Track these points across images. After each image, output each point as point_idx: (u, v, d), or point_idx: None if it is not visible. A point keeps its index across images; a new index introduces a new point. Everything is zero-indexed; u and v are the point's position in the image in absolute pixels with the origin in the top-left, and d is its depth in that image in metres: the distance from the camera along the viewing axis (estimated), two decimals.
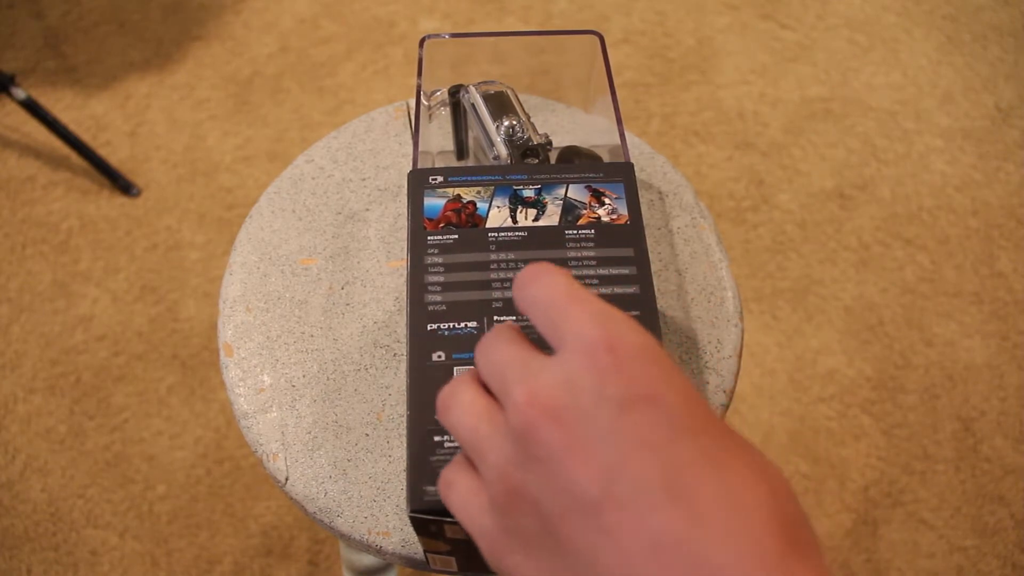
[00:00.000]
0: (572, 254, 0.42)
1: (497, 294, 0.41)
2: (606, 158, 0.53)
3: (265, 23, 1.52)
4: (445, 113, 0.54)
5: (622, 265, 0.42)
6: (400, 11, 1.55)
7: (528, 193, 0.44)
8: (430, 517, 0.35)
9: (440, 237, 0.43)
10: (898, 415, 1.16)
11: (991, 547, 1.08)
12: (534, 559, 0.25)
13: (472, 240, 0.42)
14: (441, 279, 0.41)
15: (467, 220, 0.43)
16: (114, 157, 1.34)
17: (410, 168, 0.48)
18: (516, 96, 0.51)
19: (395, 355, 0.50)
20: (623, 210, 0.44)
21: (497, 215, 0.43)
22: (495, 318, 0.40)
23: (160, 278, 1.23)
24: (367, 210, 0.57)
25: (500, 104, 0.50)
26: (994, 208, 1.35)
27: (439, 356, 0.39)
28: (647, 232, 0.55)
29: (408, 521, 0.41)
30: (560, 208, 0.44)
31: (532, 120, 0.50)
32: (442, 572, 0.41)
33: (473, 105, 0.51)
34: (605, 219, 0.43)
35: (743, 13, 1.58)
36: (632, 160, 0.49)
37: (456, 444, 0.31)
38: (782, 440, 1.13)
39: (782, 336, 1.22)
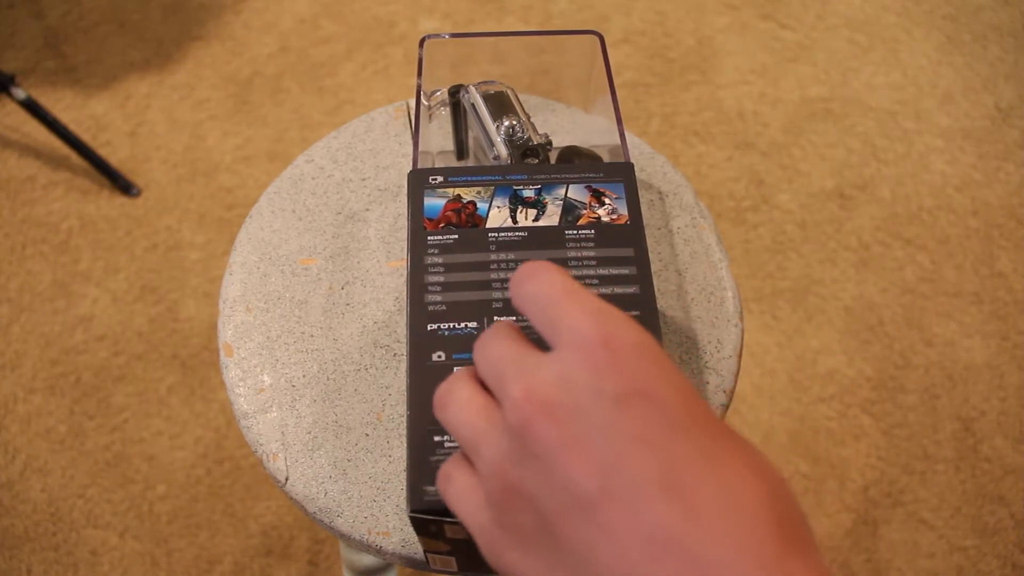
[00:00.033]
0: (572, 254, 0.42)
1: (497, 294, 0.41)
2: (606, 158, 0.53)
3: (265, 23, 1.52)
4: (445, 113, 0.54)
5: (622, 265, 0.42)
6: (400, 11, 1.55)
7: (528, 193, 0.44)
8: (430, 517, 0.35)
9: (440, 237, 0.43)
10: (898, 415, 1.16)
11: (991, 547, 1.08)
12: (531, 555, 0.25)
13: (472, 240, 0.42)
14: (441, 279, 0.41)
15: (467, 220, 0.43)
16: (114, 157, 1.34)
17: (410, 168, 0.48)
18: (516, 96, 0.51)
19: (395, 355, 0.50)
20: (623, 210, 0.44)
21: (497, 215, 0.43)
22: (495, 318, 0.40)
23: (160, 278, 1.23)
24: (367, 210, 0.57)
25: (500, 104, 0.50)
26: (994, 208, 1.35)
27: (439, 356, 0.39)
28: (647, 232, 0.55)
29: (408, 521, 0.41)
30: (560, 208, 0.44)
31: (532, 120, 0.50)
32: (442, 572, 0.41)
33: (473, 105, 0.51)
34: (605, 219, 0.43)
35: (743, 13, 1.58)
36: (632, 160, 0.49)
37: (456, 444, 0.31)
38: (782, 440, 1.13)
39: (782, 336, 1.22)
